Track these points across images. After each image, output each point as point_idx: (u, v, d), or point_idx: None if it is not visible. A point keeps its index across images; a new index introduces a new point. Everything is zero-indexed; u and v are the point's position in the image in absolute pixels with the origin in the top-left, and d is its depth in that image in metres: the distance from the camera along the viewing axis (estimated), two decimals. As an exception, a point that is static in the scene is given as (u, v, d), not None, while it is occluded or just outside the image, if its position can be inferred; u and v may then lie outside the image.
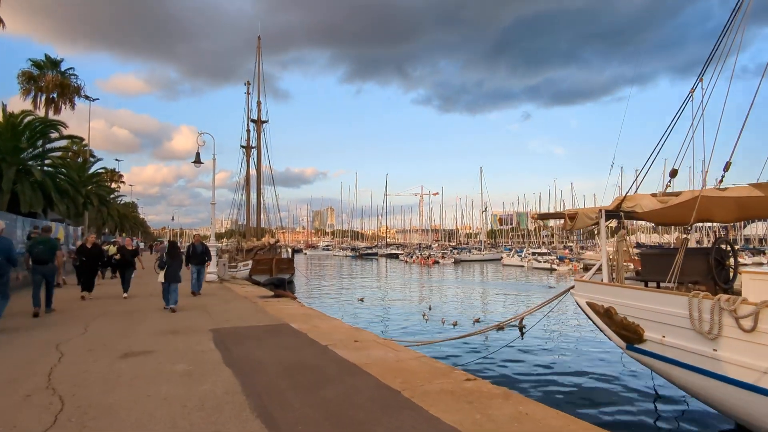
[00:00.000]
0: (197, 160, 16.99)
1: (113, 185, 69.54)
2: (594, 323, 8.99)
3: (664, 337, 7.33)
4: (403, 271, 50.26)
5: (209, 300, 11.66)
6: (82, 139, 48.21)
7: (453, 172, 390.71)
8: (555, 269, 48.88)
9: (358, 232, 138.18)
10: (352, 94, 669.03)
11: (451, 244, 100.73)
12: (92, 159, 47.48)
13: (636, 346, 7.93)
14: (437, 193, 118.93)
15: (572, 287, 10.45)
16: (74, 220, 34.49)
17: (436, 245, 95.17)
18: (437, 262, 64.39)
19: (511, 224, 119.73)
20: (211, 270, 17.73)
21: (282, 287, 12.22)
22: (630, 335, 8.05)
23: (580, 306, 9.40)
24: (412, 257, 71.05)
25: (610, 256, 10.27)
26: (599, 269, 10.03)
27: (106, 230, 58.01)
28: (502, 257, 67.41)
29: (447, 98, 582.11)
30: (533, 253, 61.69)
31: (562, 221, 11.54)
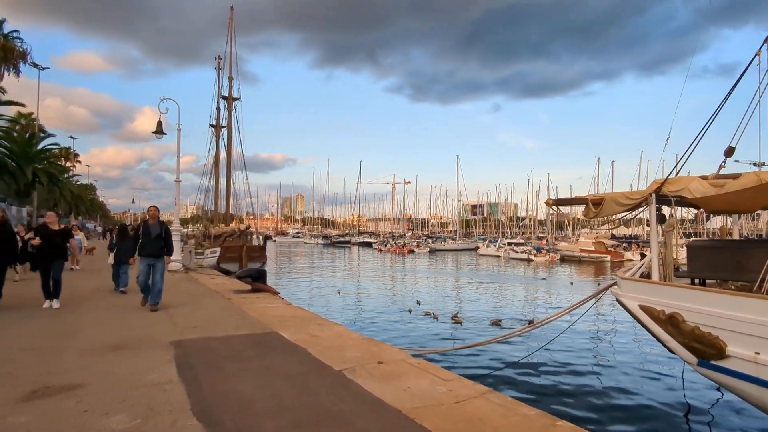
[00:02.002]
0: (158, 130, 14.54)
1: (68, 164, 64.72)
2: (650, 331, 7.43)
3: (758, 354, 5.81)
4: (378, 260, 48.59)
5: (172, 296, 9.45)
6: (31, 114, 44.05)
7: (426, 161, 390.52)
8: (532, 260, 48.33)
9: (329, 219, 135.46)
10: (323, 80, 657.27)
11: (424, 233, 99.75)
12: (42, 135, 43.38)
13: (714, 363, 6.40)
14: (409, 182, 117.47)
15: (612, 285, 8.92)
16: (19, 199, 30.97)
17: (410, 234, 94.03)
18: (412, 251, 63.16)
19: (483, 214, 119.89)
20: (175, 258, 15.43)
21: (262, 280, 10.18)
22: (705, 349, 6.50)
23: (628, 309, 7.81)
24: (386, 246, 69.59)
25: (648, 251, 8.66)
26: (646, 265, 8.48)
27: (60, 213, 53.76)
28: (477, 247, 66.80)
29: (419, 87, 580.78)
30: (509, 243, 61.12)
31: (581, 207, 10.02)
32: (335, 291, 21.57)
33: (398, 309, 16.50)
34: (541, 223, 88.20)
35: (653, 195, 8.31)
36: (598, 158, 68.10)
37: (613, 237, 60.35)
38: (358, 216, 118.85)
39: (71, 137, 70.02)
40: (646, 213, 8.68)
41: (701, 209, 9.92)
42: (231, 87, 37.01)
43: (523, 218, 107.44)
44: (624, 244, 56.24)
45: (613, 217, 10.58)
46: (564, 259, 50.51)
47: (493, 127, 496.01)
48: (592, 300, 8.87)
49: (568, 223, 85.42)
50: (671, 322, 7.05)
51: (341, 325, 6.59)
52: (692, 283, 8.65)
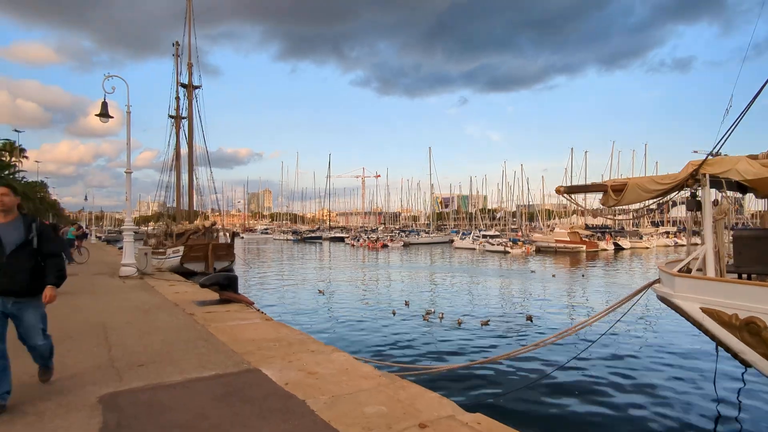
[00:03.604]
0: (103, 113, 12.30)
1: (13, 160, 59.72)
2: (717, 340, 6.12)
3: None
4: (352, 255, 46.89)
5: (116, 312, 7.52)
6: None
7: (395, 155, 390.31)
8: (508, 252, 47.79)
9: (297, 215, 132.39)
10: (287, 72, 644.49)
11: (396, 227, 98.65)
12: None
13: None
14: (379, 176, 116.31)
15: (656, 282, 7.62)
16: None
17: (382, 228, 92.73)
18: (386, 246, 61.84)
19: (451, 207, 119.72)
20: (128, 261, 13.29)
21: (232, 288, 8.34)
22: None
23: (684, 313, 6.47)
24: (358, 241, 68.00)
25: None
26: (695, 258, 7.18)
27: None
28: (453, 240, 66.11)
29: (386, 81, 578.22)
30: (484, 236, 60.57)
31: (599, 195, 8.72)
32: (316, 291, 19.80)
33: (388, 310, 14.96)
34: (513, 215, 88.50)
35: (707, 176, 7.01)
36: (572, 149, 68.51)
37: (587, 227, 60.84)
38: (329, 211, 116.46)
39: (16, 130, 64.64)
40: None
41: (748, 193, 8.80)
42: (191, 74, 34.29)
43: (494, 210, 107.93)
44: (598, 234, 56.65)
45: (636, 205, 9.38)
46: (539, 250, 50.28)
47: (461, 120, 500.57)
48: (632, 301, 7.59)
49: (540, 214, 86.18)
50: (749, 330, 5.75)
51: (341, 351, 4.90)
52: (739, 278, 7.46)
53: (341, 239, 78.47)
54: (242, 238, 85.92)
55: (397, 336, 11.58)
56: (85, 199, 64.63)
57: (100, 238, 56.27)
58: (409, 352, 10.02)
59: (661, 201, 8.38)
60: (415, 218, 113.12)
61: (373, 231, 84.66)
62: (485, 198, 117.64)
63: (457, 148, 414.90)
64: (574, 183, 70.20)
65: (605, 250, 51.15)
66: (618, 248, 52.58)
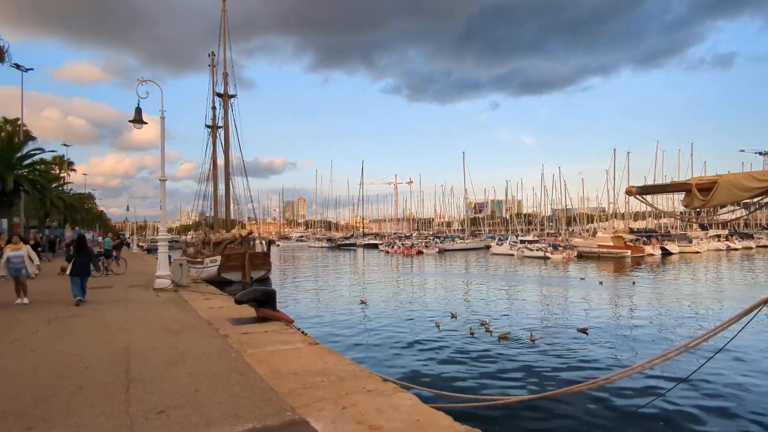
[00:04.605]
0: (137, 119, 12.02)
1: (62, 173, 62.34)
2: None
3: None
4: (387, 262, 46.05)
5: (143, 332, 6.91)
6: (17, 119, 41.60)
7: (427, 161, 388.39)
8: (549, 258, 45.78)
9: (331, 222, 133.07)
10: (320, 83, 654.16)
11: (430, 232, 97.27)
12: (32, 141, 40.93)
13: None
14: (411, 182, 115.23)
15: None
16: (2, 211, 28.47)
17: (416, 234, 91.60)
18: (421, 252, 60.72)
19: (485, 212, 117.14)
20: (163, 273, 12.93)
21: (270, 305, 7.63)
22: None
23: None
24: (392, 247, 67.09)
25: None
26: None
27: (55, 223, 51.32)
28: (488, 246, 64.34)
29: (416, 87, 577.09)
30: (522, 241, 58.38)
31: (681, 195, 7.53)
32: (355, 301, 19.08)
33: (431, 322, 14.04)
34: (549, 219, 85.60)
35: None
36: (614, 150, 65.56)
37: (631, 231, 57.81)
38: (362, 218, 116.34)
39: (64, 144, 67.56)
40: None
41: None
42: (226, 84, 34.55)
43: (529, 215, 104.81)
44: (643, 239, 53.71)
45: (725, 207, 8.15)
46: (581, 256, 47.95)
47: (493, 125, 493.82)
48: (745, 319, 6.42)
49: (578, 218, 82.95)
50: None
51: (405, 391, 4.02)
52: None
53: (375, 246, 77.90)
54: (278, 246, 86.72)
55: (445, 354, 10.66)
56: (127, 209, 66.60)
57: (142, 247, 57.70)
58: (463, 375, 9.07)
59: (762, 201, 7.14)
60: (448, 224, 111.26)
61: (407, 237, 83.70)
62: (520, 202, 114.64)
63: (490, 153, 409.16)
64: (617, 185, 67.00)
65: (652, 255, 48.28)
66: (666, 253, 49.52)
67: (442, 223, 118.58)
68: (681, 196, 7.32)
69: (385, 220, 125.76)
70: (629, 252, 46.90)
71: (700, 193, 6.98)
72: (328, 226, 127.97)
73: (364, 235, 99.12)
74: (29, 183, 28.86)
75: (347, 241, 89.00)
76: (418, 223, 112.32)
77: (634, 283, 25.34)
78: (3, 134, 38.88)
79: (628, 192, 9.21)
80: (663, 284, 25.46)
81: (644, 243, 51.49)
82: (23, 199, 30.46)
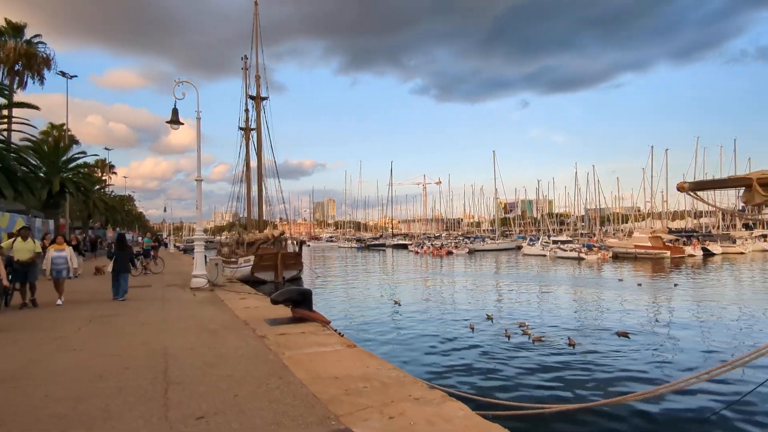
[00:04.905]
0: (174, 120, 12.20)
1: (104, 176, 64.86)
2: None
3: None
4: (416, 263, 45.65)
5: (180, 332, 6.90)
6: (62, 125, 43.39)
7: (456, 161, 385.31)
8: (583, 258, 44.33)
9: (360, 222, 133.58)
10: (348, 85, 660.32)
11: (460, 233, 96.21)
12: (76, 145, 42.69)
13: None
14: (440, 182, 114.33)
15: None
16: (46, 211, 29.68)
17: (445, 234, 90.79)
18: (450, 253, 60.04)
19: (516, 212, 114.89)
20: (199, 272, 13.07)
21: (306, 305, 7.50)
22: None
23: None
24: (422, 248, 66.60)
25: None
26: None
27: (97, 224, 53.29)
28: (520, 246, 63.01)
29: (445, 87, 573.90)
30: (554, 241, 56.81)
31: (739, 191, 6.94)
32: (388, 301, 18.89)
33: (464, 323, 13.69)
34: (582, 219, 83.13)
35: None
36: (651, 147, 62.88)
37: (670, 231, 55.40)
38: (390, 218, 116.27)
39: (106, 148, 70.34)
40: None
41: None
42: (258, 86, 35.08)
43: (561, 214, 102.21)
44: (683, 239, 51.35)
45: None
46: (617, 257, 46.24)
47: (523, 124, 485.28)
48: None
49: (613, 218, 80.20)
50: None
51: (454, 400, 3.77)
52: None
53: (404, 246, 77.64)
54: (308, 246, 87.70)
55: (483, 358, 10.30)
56: (164, 210, 69.05)
57: (178, 247, 59.26)
58: (503, 380, 8.71)
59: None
60: (477, 224, 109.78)
61: (436, 238, 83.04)
62: (551, 202, 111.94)
63: (520, 152, 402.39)
64: (655, 183, 64.36)
65: (693, 256, 46.06)
66: (707, 254, 47.12)
67: (471, 223, 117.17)
68: (731, 192, 6.79)
69: (414, 221, 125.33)
70: (668, 253, 44.94)
71: (763, 189, 6.44)
72: (357, 226, 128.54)
73: (393, 235, 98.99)
74: (74, 185, 30.04)
75: (376, 242, 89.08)
76: (446, 223, 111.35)
77: (675, 285, 24.16)
78: (50, 139, 40.72)
79: (680, 188, 8.64)
80: (707, 287, 24.16)
81: (684, 243, 49.29)
82: (68, 200, 31.68)
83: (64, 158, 30.50)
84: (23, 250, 9.49)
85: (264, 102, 34.92)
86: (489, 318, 14.63)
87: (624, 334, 12.36)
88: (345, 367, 4.71)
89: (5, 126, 21.19)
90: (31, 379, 4.58)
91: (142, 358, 5.29)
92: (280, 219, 45.57)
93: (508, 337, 12.25)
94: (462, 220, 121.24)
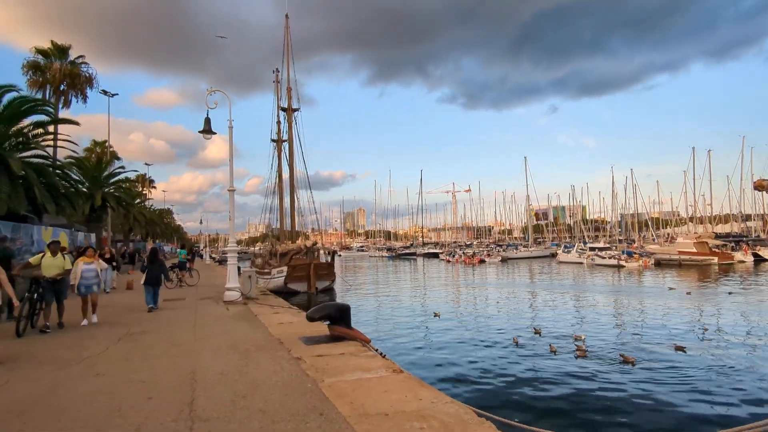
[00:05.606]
0: (206, 129, 11.98)
1: (144, 190, 66.73)
2: None
3: None
4: (448, 272, 44.58)
5: (212, 353, 6.43)
6: (105, 141, 44.83)
7: (485, 168, 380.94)
8: (623, 266, 42.30)
9: (391, 231, 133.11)
10: (376, 96, 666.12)
11: (491, 240, 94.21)
12: (117, 161, 43.90)
13: None
14: (469, 190, 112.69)
15: None
16: (89, 225, 30.41)
17: (477, 242, 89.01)
18: (483, 261, 58.58)
19: (547, 219, 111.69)
20: (232, 285, 12.76)
21: (344, 322, 6.95)
22: None
23: None
24: (453, 256, 65.33)
25: None
26: None
27: (138, 237, 54.66)
28: (555, 254, 60.93)
29: (472, 96, 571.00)
30: (591, 249, 54.57)
31: None
32: (428, 314, 18.15)
33: (507, 338, 12.83)
34: (618, 224, 79.86)
35: None
36: (693, 148, 59.97)
37: (716, 236, 52.25)
38: (421, 227, 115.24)
39: (146, 164, 72.58)
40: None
41: None
42: (290, 98, 35.30)
43: (596, 220, 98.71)
44: (731, 244, 48.32)
45: None
46: (659, 264, 43.85)
47: (552, 129, 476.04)
48: None
49: (652, 223, 76.55)
50: None
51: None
52: None
53: (435, 255, 76.51)
54: (340, 255, 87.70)
55: (536, 379, 9.46)
56: (201, 222, 70.67)
57: (214, 258, 60.07)
58: (562, 407, 7.88)
59: None
60: (509, 231, 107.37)
61: (468, 246, 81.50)
62: (584, 208, 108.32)
63: (550, 158, 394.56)
64: (697, 186, 60.96)
65: (743, 261, 43.20)
66: (759, 259, 44.05)
67: (502, 230, 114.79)
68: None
69: (444, 229, 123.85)
70: (716, 259, 42.36)
71: None
72: (388, 235, 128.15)
73: (424, 244, 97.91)
74: (115, 200, 30.80)
75: (407, 251, 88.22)
76: (476, 231, 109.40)
77: (730, 293, 22.46)
78: (93, 155, 42.15)
79: (758, 186, 7.64)
80: (764, 294, 22.33)
81: (732, 249, 46.41)
82: (110, 214, 32.46)
83: (106, 173, 31.34)
84: (51, 266, 8.71)
85: (295, 113, 35.09)
86: (537, 332, 13.71)
87: (681, 349, 11.37)
88: (395, 400, 4.07)
89: (50, 142, 21.76)
90: (42, 411, 4.13)
91: (168, 385, 4.81)
92: (312, 229, 45.57)
93: (554, 351, 11.40)
94: (492, 227, 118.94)
